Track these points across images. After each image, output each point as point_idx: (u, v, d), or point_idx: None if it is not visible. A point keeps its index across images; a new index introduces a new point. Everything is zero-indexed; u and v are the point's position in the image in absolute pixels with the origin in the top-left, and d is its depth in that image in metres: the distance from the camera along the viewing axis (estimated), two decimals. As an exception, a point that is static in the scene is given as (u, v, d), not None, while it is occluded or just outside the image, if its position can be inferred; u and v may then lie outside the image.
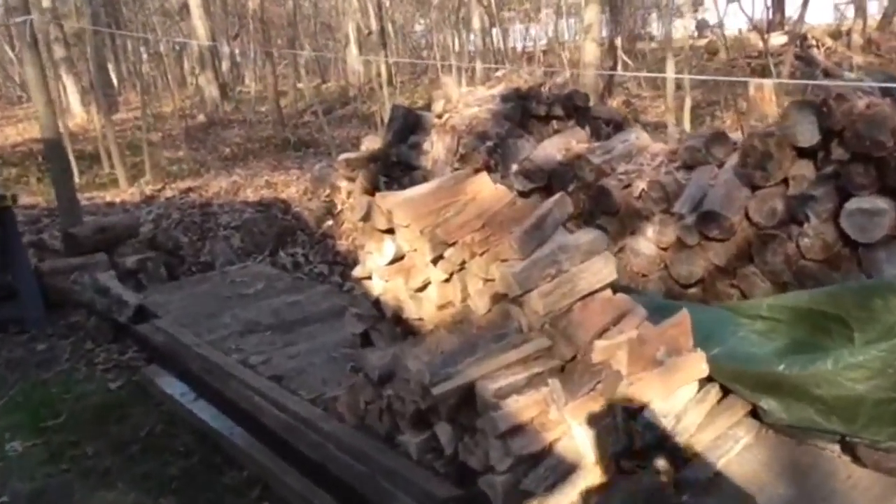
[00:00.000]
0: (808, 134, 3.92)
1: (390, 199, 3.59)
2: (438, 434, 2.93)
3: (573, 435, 2.71)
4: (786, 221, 4.09)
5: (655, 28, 25.98)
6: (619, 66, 16.51)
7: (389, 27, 18.43)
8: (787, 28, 19.30)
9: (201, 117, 16.73)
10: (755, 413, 3.14)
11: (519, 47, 21.51)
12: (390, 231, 3.64)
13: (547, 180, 5.29)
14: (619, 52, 16.72)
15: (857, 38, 16.87)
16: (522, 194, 5.16)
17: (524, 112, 6.68)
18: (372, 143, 7.55)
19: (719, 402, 3.14)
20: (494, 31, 21.53)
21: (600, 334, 3.00)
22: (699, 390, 3.08)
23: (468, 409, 2.86)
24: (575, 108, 6.82)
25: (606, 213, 4.88)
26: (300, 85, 18.92)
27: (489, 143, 6.19)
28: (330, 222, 7.09)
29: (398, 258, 3.60)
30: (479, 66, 18.61)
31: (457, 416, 2.89)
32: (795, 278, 4.07)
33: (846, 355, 2.75)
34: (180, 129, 13.39)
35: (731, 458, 2.92)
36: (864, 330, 2.80)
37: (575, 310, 3.08)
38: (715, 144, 4.62)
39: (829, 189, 3.90)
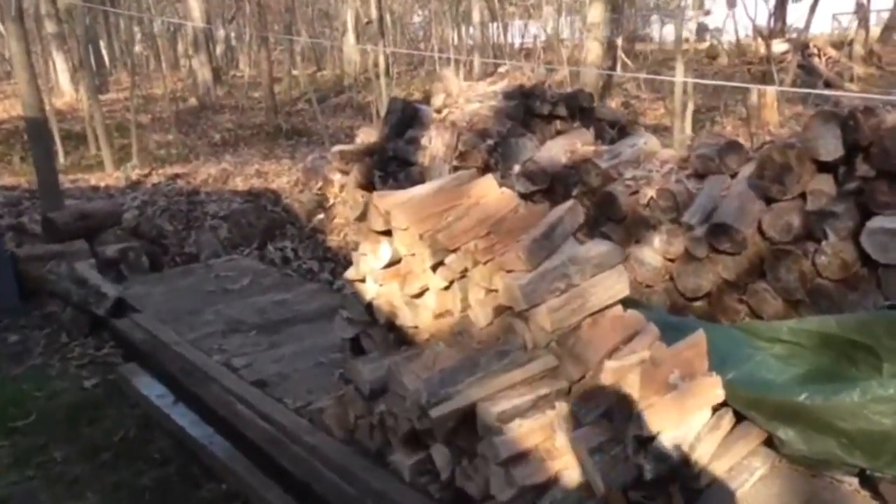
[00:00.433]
0: (831, 147, 3.74)
1: (389, 200, 3.38)
2: (434, 456, 2.72)
3: (580, 464, 2.50)
4: (802, 237, 3.91)
5: (655, 30, 25.87)
6: (619, 67, 16.32)
7: (388, 17, 18.16)
8: (787, 36, 19.19)
9: (193, 101, 16.43)
10: (770, 442, 2.97)
11: (517, 43, 21.29)
12: (387, 233, 3.44)
13: (550, 183, 5.08)
14: (619, 53, 16.53)
15: (858, 49, 16.75)
16: (523, 196, 4.96)
17: (527, 110, 6.48)
18: (367, 135, 7.32)
19: (732, 429, 2.95)
20: (494, 25, 21.31)
21: (610, 354, 2.80)
22: (712, 416, 2.89)
23: (467, 431, 2.65)
24: (579, 109, 6.62)
25: (611, 219, 4.68)
26: (295, 72, 18.64)
27: (490, 142, 5.98)
28: (321, 216, 6.86)
29: (395, 262, 3.40)
30: (476, 60, 18.41)
31: (455, 438, 2.68)
32: (809, 297, 3.90)
33: (875, 387, 2.57)
34: (171, 113, 13.10)
35: (745, 490, 2.74)
36: (894, 361, 2.61)
37: (583, 327, 2.88)
38: (728, 153, 4.42)
39: (850, 206, 3.72)
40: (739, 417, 2.99)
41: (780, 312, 4.03)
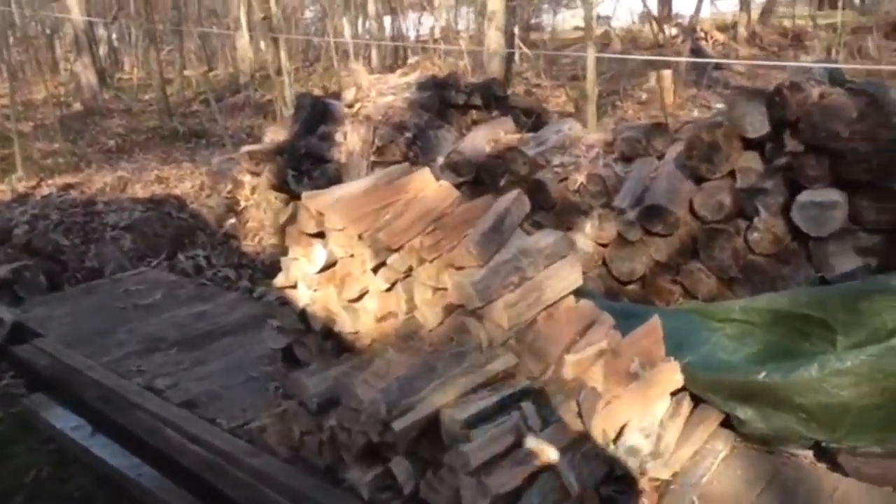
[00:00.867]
0: (757, 124, 3.78)
1: (320, 200, 3.17)
2: (394, 470, 2.55)
3: (553, 465, 2.38)
4: (733, 215, 3.95)
5: (547, 19, 26.27)
6: (517, 55, 16.44)
7: (280, 13, 17.65)
8: (674, 21, 19.85)
9: (77, 105, 15.47)
10: (726, 423, 2.95)
11: (412, 35, 21.15)
12: (320, 235, 3.24)
13: (476, 174, 4.97)
14: (517, 41, 16.64)
15: (742, 31, 17.46)
16: (450, 189, 4.81)
17: (441, 101, 6.36)
18: (276, 134, 7.01)
19: (691, 413, 2.91)
20: (388, 18, 21.09)
21: (569, 348, 2.70)
22: (671, 402, 2.85)
23: (429, 441, 2.50)
24: (494, 98, 6.55)
25: (542, 208, 4.61)
26: (187, 72, 17.87)
27: (408, 135, 5.83)
28: (233, 221, 6.52)
29: (330, 265, 3.20)
30: (374, 53, 18.18)
31: (416, 448, 2.52)
32: (743, 274, 3.94)
33: (832, 360, 2.58)
34: (54, 119, 12.26)
35: (711, 476, 2.70)
36: (849, 334, 2.63)
37: (540, 321, 2.77)
38: (654, 135, 4.43)
39: (778, 181, 3.77)
40: (696, 401, 2.97)
41: (714, 291, 4.06)
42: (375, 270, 2.98)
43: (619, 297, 4.36)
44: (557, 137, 4.84)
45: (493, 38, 11.75)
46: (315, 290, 3.29)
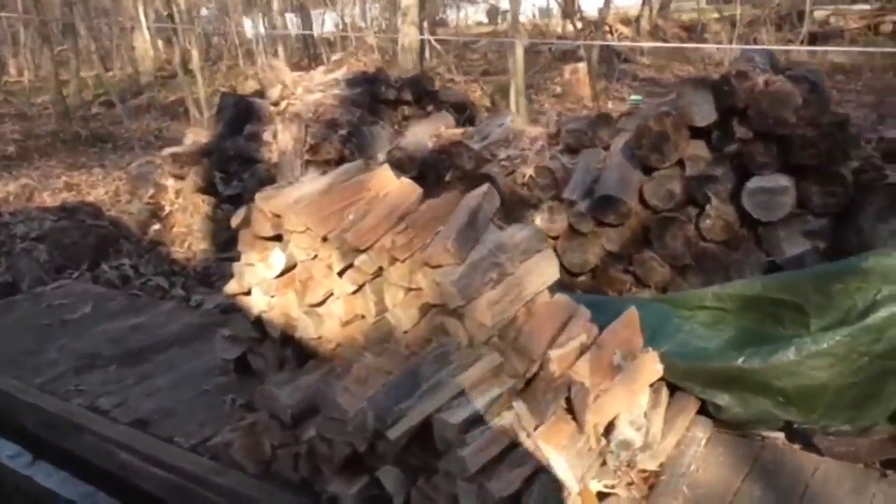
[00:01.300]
0: (705, 113, 3.84)
1: (276, 202, 3.03)
2: (383, 480, 2.43)
3: (551, 464, 2.33)
4: (683, 203, 3.99)
5: (451, 14, 26.37)
6: (428, 52, 16.42)
7: (181, 9, 16.97)
8: (579, 15, 20.23)
9: (-38, 112, 14.46)
10: (702, 409, 2.97)
11: (316, 33, 20.79)
12: (277, 238, 3.09)
13: (419, 170, 4.87)
14: (428, 36, 16.59)
15: (644, 25, 17.99)
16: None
17: (372, 97, 6.22)
18: (197, 135, 6.70)
19: (669, 403, 2.92)
20: (289, 15, 20.67)
21: (551, 343, 2.65)
22: (650, 392, 2.84)
23: (419, 447, 2.40)
24: (424, 93, 6.46)
25: (490, 202, 4.54)
26: (83, 73, 16.94)
27: (342, 132, 5.66)
28: (157, 226, 6.18)
29: (289, 269, 3.06)
30: (280, 51, 17.78)
31: (405, 456, 2.42)
32: (695, 261, 3.99)
33: (808, 343, 2.63)
34: (-61, 126, 11.41)
35: (696, 464, 2.71)
36: (822, 316, 2.68)
37: (520, 318, 2.71)
38: (600, 126, 4.45)
39: (727, 169, 3.83)
40: (672, 389, 2.98)
41: (667, 279, 4.11)
42: (341, 273, 2.86)
43: (571, 289, 4.36)
44: (501, 131, 4.80)
45: (409, 34, 11.63)
46: (272, 296, 3.13)
